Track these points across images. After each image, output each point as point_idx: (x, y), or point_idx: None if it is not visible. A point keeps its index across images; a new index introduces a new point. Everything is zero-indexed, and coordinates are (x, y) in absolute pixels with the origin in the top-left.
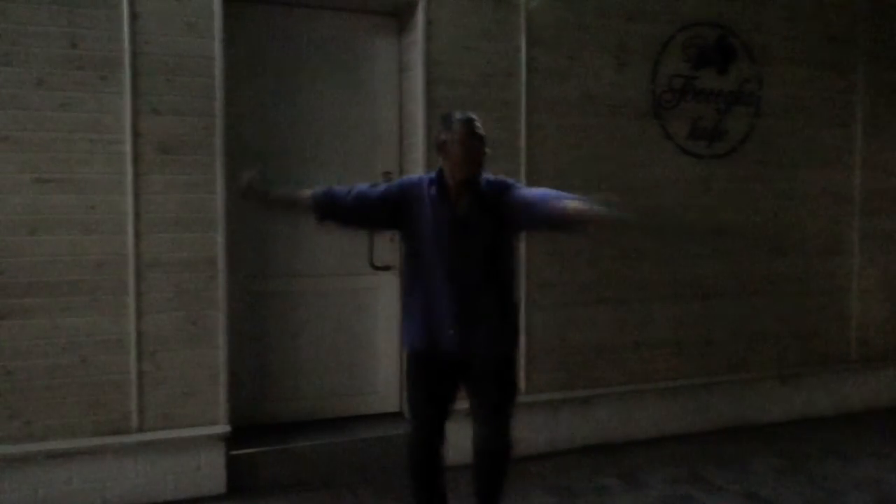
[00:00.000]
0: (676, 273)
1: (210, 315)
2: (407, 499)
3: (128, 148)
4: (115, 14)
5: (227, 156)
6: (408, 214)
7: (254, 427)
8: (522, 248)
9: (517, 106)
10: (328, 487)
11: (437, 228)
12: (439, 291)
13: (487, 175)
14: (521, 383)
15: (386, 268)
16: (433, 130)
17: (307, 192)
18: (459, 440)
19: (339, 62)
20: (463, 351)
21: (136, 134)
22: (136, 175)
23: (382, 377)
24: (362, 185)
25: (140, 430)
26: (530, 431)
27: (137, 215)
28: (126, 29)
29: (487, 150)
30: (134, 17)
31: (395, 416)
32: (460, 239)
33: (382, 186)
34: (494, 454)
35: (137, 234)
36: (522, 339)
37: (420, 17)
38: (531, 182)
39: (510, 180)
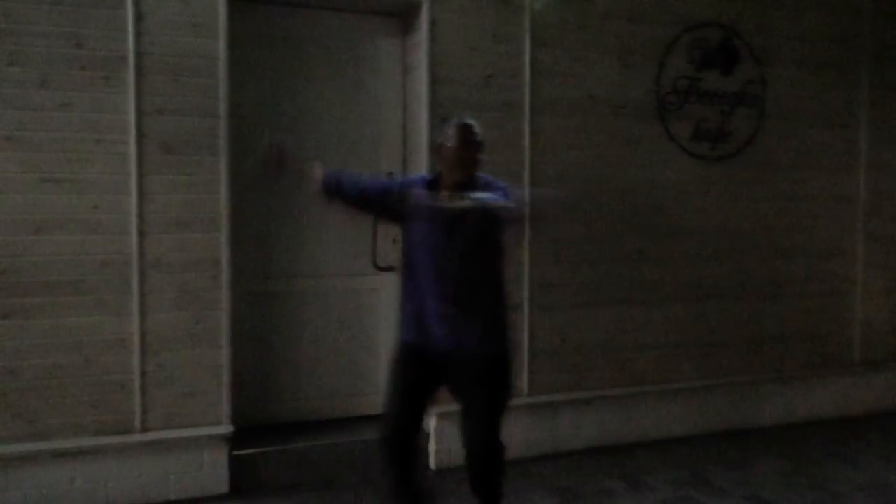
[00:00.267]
0: (679, 274)
1: (213, 315)
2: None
3: (132, 148)
4: (120, 14)
5: (231, 156)
6: (408, 208)
7: (256, 427)
8: (525, 249)
9: (521, 107)
10: (330, 488)
11: (428, 228)
12: (430, 290)
13: (486, 177)
14: (524, 384)
15: (389, 268)
16: (436, 132)
17: (321, 170)
18: None
19: (342, 63)
20: (451, 351)
21: (140, 134)
22: (140, 175)
23: (385, 377)
24: (375, 176)
25: (143, 430)
26: (532, 433)
27: (141, 215)
28: (130, 29)
29: (483, 155)
30: (138, 17)
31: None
32: (450, 240)
33: (391, 180)
34: (482, 456)
35: (141, 234)
36: (524, 340)
37: (424, 18)
38: (535, 182)
39: (502, 183)
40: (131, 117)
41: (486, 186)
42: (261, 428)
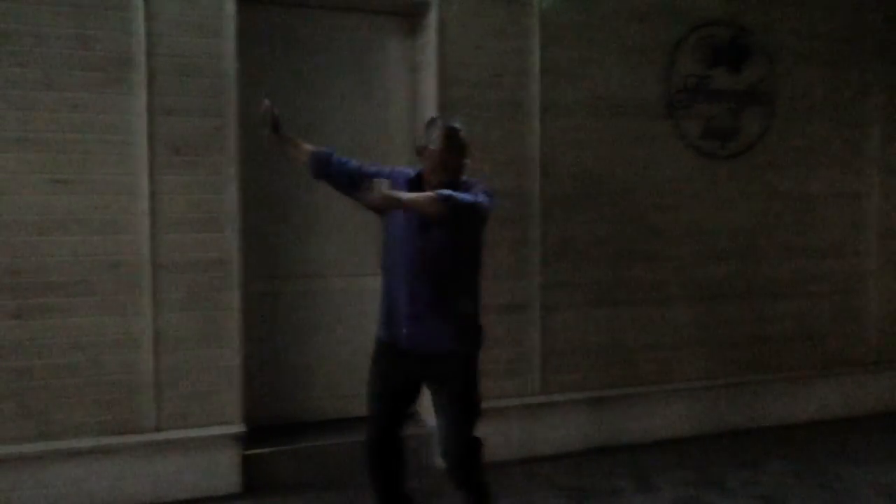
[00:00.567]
0: (690, 274)
1: (224, 315)
2: (419, 500)
3: (141, 149)
4: (129, 15)
5: (240, 156)
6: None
7: (268, 426)
8: (533, 249)
9: (529, 106)
10: (341, 488)
11: (404, 226)
12: (400, 288)
13: (472, 180)
14: (534, 384)
15: None
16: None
17: (311, 147)
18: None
19: (350, 63)
20: (418, 350)
21: (150, 135)
22: (149, 176)
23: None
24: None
25: (155, 429)
26: (544, 432)
27: (151, 216)
28: (140, 30)
29: (466, 160)
30: (148, 18)
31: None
32: (422, 240)
33: (378, 168)
34: (455, 455)
35: (151, 235)
36: (534, 340)
37: (432, 18)
38: (543, 180)
39: (475, 185)
40: (141, 118)
41: (467, 190)
42: (272, 427)
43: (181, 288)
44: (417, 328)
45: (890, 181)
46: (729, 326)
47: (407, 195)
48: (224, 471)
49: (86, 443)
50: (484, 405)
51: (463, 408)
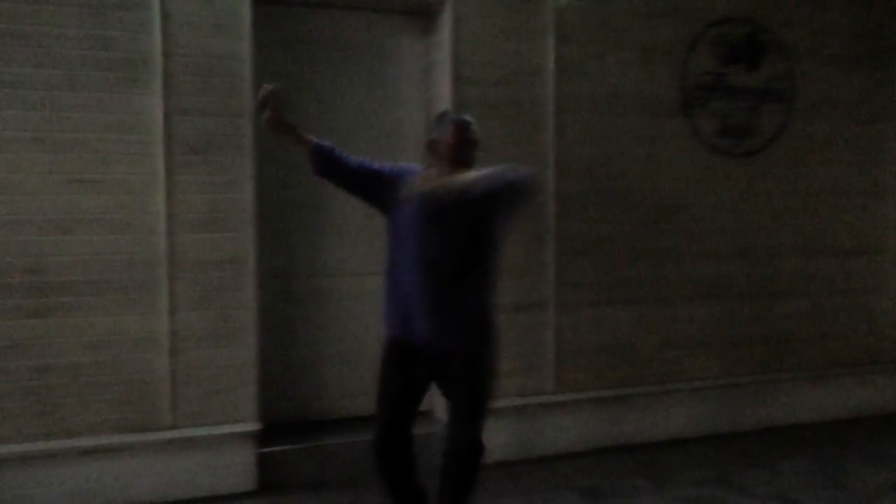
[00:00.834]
0: (706, 272)
1: (240, 313)
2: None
3: (158, 148)
4: (146, 16)
5: (256, 156)
6: (394, 198)
7: (283, 424)
8: (549, 247)
9: (544, 104)
10: (356, 486)
11: (417, 221)
12: (414, 282)
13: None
14: (549, 383)
15: None
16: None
17: (313, 139)
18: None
19: (365, 62)
20: (434, 345)
21: (167, 134)
22: (167, 175)
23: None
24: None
25: (172, 427)
26: (558, 431)
27: (168, 215)
28: (157, 31)
29: (479, 152)
30: (165, 18)
31: (423, 415)
32: (437, 233)
33: (381, 164)
34: (459, 457)
35: (168, 234)
36: (550, 339)
37: (447, 16)
38: (558, 178)
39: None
40: (158, 118)
41: None
42: (287, 425)
43: (197, 287)
44: (433, 324)
45: None
46: (744, 325)
47: (465, 178)
48: (239, 469)
49: (102, 441)
50: (498, 404)
51: (473, 405)
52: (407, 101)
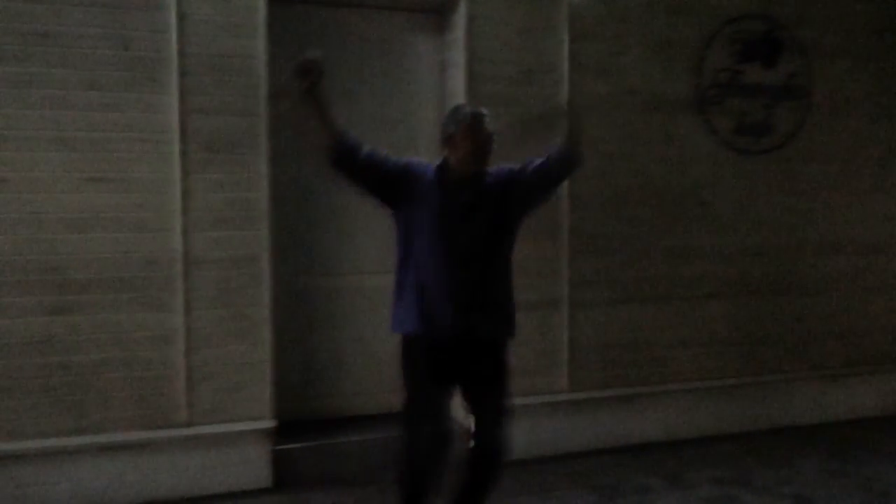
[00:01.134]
0: (721, 271)
1: (255, 311)
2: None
3: (175, 147)
4: (164, 16)
5: (272, 154)
6: (408, 194)
7: (298, 422)
8: (563, 245)
9: (559, 102)
10: (371, 483)
11: (440, 216)
12: (439, 278)
13: (495, 168)
14: (563, 381)
15: None
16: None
17: (341, 129)
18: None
19: (380, 60)
20: (462, 337)
21: (184, 133)
22: (183, 174)
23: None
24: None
25: (188, 424)
26: (573, 429)
27: (185, 213)
28: (173, 30)
29: (495, 145)
30: (182, 18)
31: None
32: (463, 228)
33: (396, 158)
34: (490, 457)
35: (184, 232)
36: (563, 337)
37: (462, 14)
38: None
39: (512, 166)
40: (174, 117)
41: (497, 174)
42: (302, 423)
43: (213, 284)
44: (463, 315)
45: None
46: (761, 323)
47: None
48: (254, 466)
49: (120, 437)
50: (513, 402)
51: (503, 406)
52: (422, 99)
